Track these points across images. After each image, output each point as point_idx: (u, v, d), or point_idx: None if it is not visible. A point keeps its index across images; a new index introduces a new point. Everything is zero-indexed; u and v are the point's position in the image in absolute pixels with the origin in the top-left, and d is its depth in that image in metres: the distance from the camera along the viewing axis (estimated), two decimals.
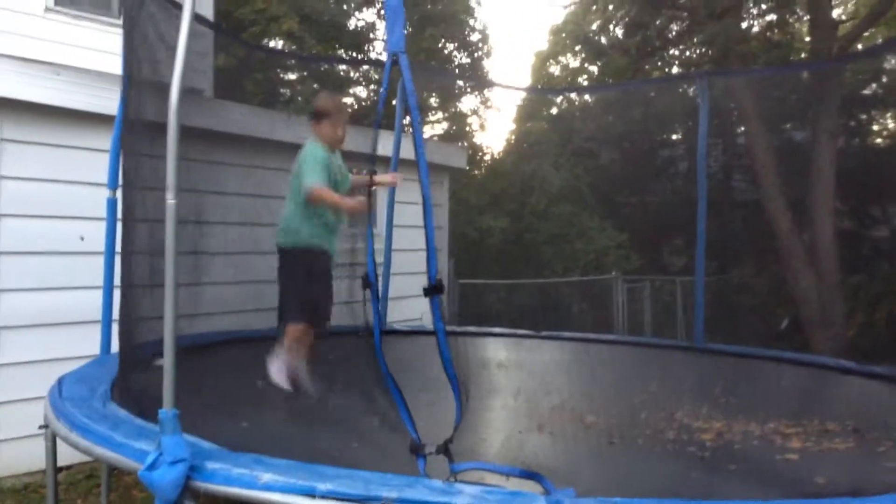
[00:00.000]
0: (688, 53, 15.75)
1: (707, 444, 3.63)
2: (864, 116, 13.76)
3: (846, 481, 3.01)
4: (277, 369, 4.41)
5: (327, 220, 4.56)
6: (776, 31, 13.42)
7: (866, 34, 12.46)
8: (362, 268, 4.02)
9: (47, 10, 6.69)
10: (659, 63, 16.14)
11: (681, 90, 13.52)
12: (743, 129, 12.61)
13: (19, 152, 5.05)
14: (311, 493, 2.39)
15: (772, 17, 13.74)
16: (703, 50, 13.63)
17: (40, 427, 3.59)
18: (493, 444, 3.67)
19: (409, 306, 7.07)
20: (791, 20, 13.71)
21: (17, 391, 4.96)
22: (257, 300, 5.84)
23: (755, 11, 13.86)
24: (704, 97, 6.31)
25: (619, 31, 15.77)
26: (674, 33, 14.56)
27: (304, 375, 4.53)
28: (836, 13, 13.02)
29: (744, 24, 12.90)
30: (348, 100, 16.00)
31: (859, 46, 11.86)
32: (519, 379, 5.19)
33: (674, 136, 16.95)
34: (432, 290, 2.73)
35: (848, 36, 11.49)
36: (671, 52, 15.98)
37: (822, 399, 4.80)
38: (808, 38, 12.96)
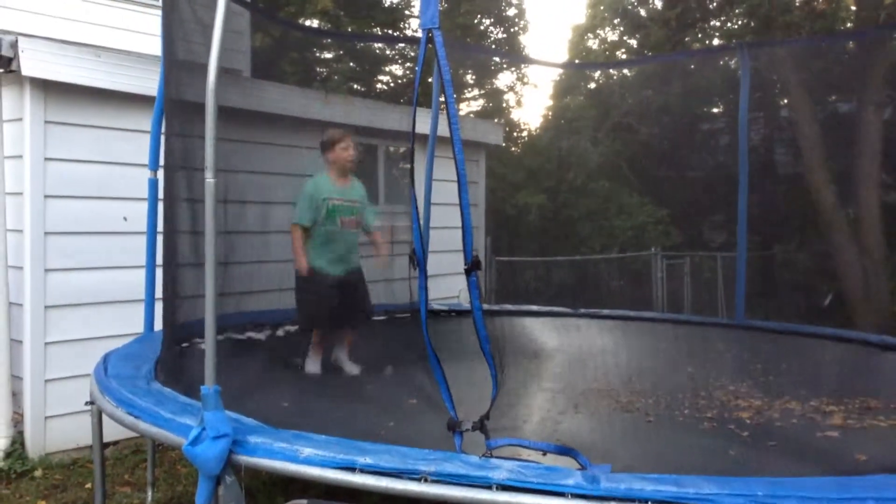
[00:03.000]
0: (729, 25, 15.40)
1: (746, 421, 3.60)
2: None
3: (888, 458, 2.97)
4: (310, 363, 4.86)
5: (324, 249, 4.91)
6: (820, 0, 13.06)
7: None
8: (401, 246, 4.06)
9: None
10: (699, 35, 15.81)
11: (722, 62, 13.25)
12: (786, 101, 12.34)
13: (63, 134, 5.14)
14: (351, 467, 2.42)
15: None
16: (745, 21, 13.32)
17: (86, 403, 3.68)
18: (529, 421, 3.68)
19: (445, 284, 7.08)
20: None
21: (63, 369, 5.09)
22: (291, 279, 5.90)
23: None
24: (745, 69, 6.18)
25: (659, 3, 15.48)
26: (715, 4, 14.23)
27: (346, 363, 4.95)
28: None
29: None
30: (385, 78, 15.99)
31: None
32: (555, 357, 5.19)
33: (714, 110, 16.63)
34: (470, 268, 2.74)
35: (895, 3, 11.15)
36: (712, 23, 15.64)
37: (865, 376, 4.72)
38: (853, 7, 12.60)
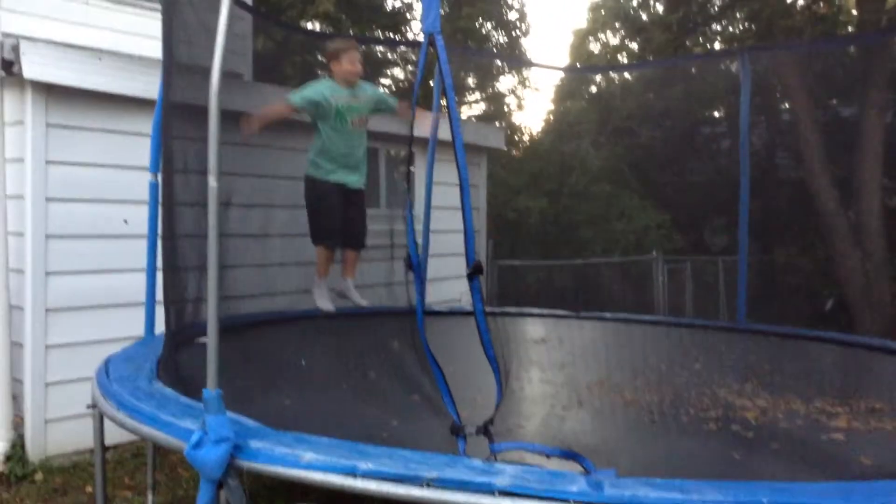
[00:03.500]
0: (731, 28, 15.44)
1: (751, 423, 3.59)
2: None
3: (893, 462, 2.96)
4: (318, 295, 5.02)
5: (335, 154, 4.99)
6: (822, 4, 13.07)
7: None
8: (402, 249, 4.08)
9: None
10: (701, 39, 15.84)
11: (723, 66, 13.27)
12: (787, 105, 12.34)
13: (65, 137, 5.15)
14: (352, 472, 2.41)
15: None
16: (747, 25, 13.34)
17: (88, 406, 3.67)
18: (533, 424, 3.67)
19: (447, 287, 7.08)
20: None
21: (64, 372, 5.08)
22: (299, 281, 5.90)
23: None
24: (746, 73, 6.17)
25: (660, 7, 15.52)
26: (716, 8, 14.26)
27: (352, 291, 5.13)
28: None
29: None
30: (386, 81, 16.00)
31: None
32: (558, 360, 5.17)
33: (716, 114, 16.66)
34: (472, 272, 2.73)
35: None
36: (713, 27, 15.67)
37: (869, 379, 4.71)
38: (854, 11, 12.61)
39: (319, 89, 4.96)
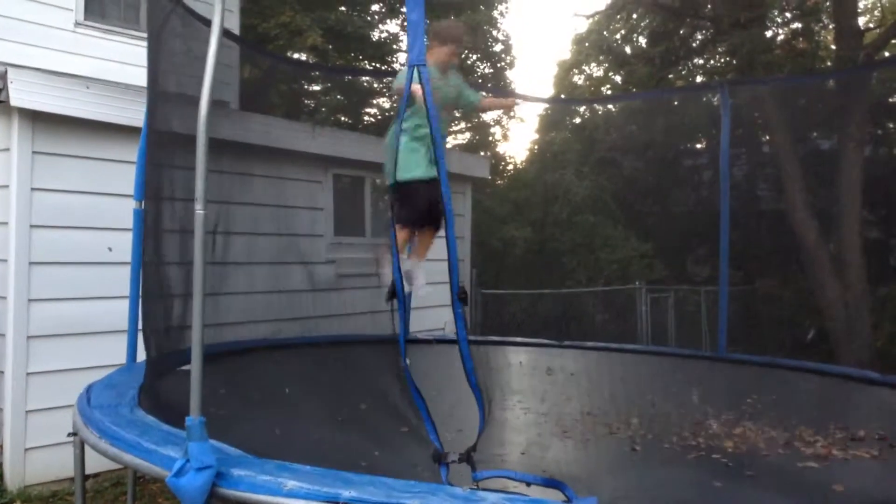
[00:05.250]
0: (712, 62, 15.68)
1: (730, 451, 3.62)
2: (891, 125, 13.61)
3: (869, 490, 3.00)
4: (386, 273, 4.60)
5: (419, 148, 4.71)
6: (801, 39, 13.33)
7: (893, 41, 12.34)
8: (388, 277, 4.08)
9: (77, 24, 6.82)
10: (683, 72, 16.08)
11: (704, 99, 13.45)
12: (767, 138, 12.52)
13: (51, 164, 5.16)
14: (335, 500, 2.41)
15: (796, 25, 13.65)
16: (728, 59, 13.56)
17: (69, 434, 3.65)
18: (515, 452, 3.67)
19: (432, 316, 7.09)
20: (816, 28, 13.61)
21: (45, 400, 5.04)
22: (283, 309, 5.90)
23: (780, 20, 13.80)
24: (726, 106, 6.29)
25: (643, 41, 15.76)
26: (698, 42, 14.51)
27: (419, 271, 4.84)
28: (861, 21, 12.93)
29: (768, 33, 12.85)
30: (373, 111, 16.10)
31: (886, 54, 11.76)
32: (541, 389, 5.19)
33: (698, 146, 16.86)
34: (457, 301, 2.76)
35: (874, 44, 11.40)
36: (695, 61, 15.92)
37: (847, 409, 4.76)
38: (833, 47, 12.86)
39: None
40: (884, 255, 12.42)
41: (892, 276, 11.98)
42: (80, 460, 3.65)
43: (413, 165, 4.77)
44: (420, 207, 4.80)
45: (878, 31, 12.30)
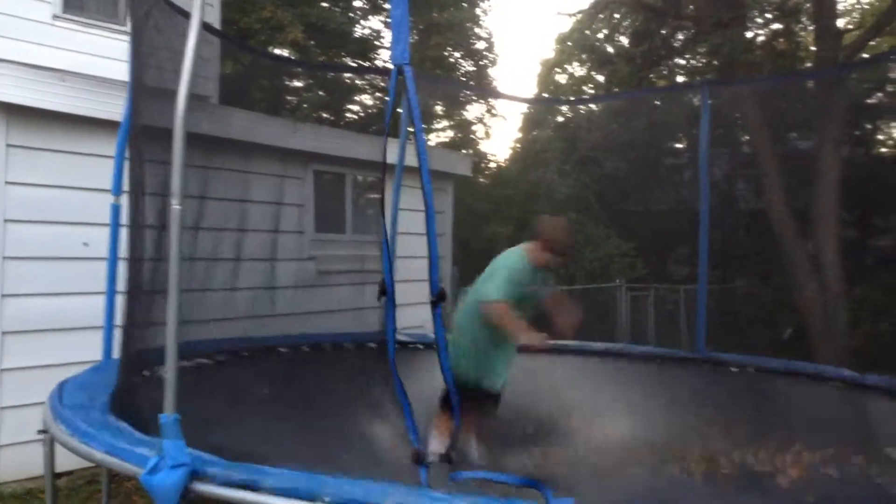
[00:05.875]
0: (693, 62, 15.75)
1: (704, 454, 3.63)
2: (869, 126, 13.73)
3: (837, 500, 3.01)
4: (434, 447, 3.73)
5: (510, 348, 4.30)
6: (781, 40, 13.41)
7: (872, 43, 12.44)
8: (375, 275, 4.03)
9: (55, 17, 6.72)
10: (665, 72, 16.14)
11: (685, 99, 13.50)
12: (747, 137, 12.58)
13: (25, 158, 5.08)
14: (311, 500, 2.38)
15: (777, 26, 13.74)
16: (709, 59, 13.62)
17: (39, 432, 3.59)
18: (494, 453, 3.67)
19: (410, 314, 7.04)
20: (796, 29, 13.70)
21: (20, 396, 4.97)
22: (263, 306, 5.86)
23: (760, 21, 13.86)
24: (706, 106, 6.30)
25: (625, 40, 15.80)
26: (679, 42, 14.56)
27: (473, 450, 4.11)
28: (841, 22, 13.01)
29: (749, 34, 12.89)
30: (355, 107, 16.03)
31: (864, 55, 11.84)
32: (519, 388, 5.18)
33: (678, 145, 16.94)
34: (436, 300, 2.73)
35: (853, 45, 11.48)
36: (677, 60, 15.98)
37: (823, 410, 4.79)
38: (813, 48, 12.94)
39: (516, 270, 4.30)
40: (861, 255, 12.51)
41: (869, 276, 12.07)
42: (50, 458, 3.60)
43: (497, 374, 4.25)
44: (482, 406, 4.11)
45: (857, 32, 12.37)
